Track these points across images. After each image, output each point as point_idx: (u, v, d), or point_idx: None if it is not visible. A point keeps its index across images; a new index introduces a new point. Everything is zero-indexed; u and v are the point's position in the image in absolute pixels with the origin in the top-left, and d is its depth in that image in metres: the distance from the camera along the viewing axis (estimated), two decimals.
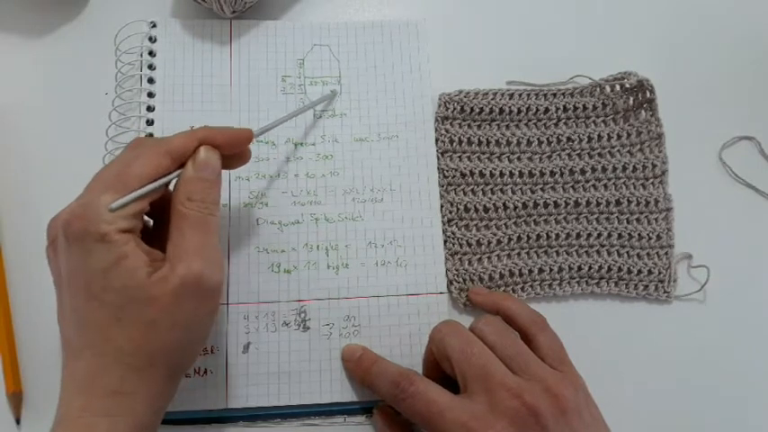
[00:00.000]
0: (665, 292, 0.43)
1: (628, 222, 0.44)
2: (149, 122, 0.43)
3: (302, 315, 0.41)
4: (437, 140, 0.45)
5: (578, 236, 0.44)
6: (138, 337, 0.30)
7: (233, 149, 0.35)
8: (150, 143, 0.33)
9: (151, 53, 0.45)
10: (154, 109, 0.44)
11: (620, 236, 0.44)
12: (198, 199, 0.32)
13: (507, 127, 0.45)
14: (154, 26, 0.45)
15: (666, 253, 0.43)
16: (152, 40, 0.45)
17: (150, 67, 0.45)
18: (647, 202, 0.44)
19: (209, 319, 0.33)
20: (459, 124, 0.45)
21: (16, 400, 0.38)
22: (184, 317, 0.31)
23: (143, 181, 0.31)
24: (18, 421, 0.38)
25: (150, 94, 0.44)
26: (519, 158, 0.45)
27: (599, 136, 0.45)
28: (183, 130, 0.34)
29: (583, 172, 0.45)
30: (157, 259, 0.31)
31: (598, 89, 0.46)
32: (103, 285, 0.30)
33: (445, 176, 0.44)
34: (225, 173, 0.41)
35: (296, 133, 0.44)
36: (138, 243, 0.31)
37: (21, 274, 0.41)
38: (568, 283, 0.43)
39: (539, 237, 0.43)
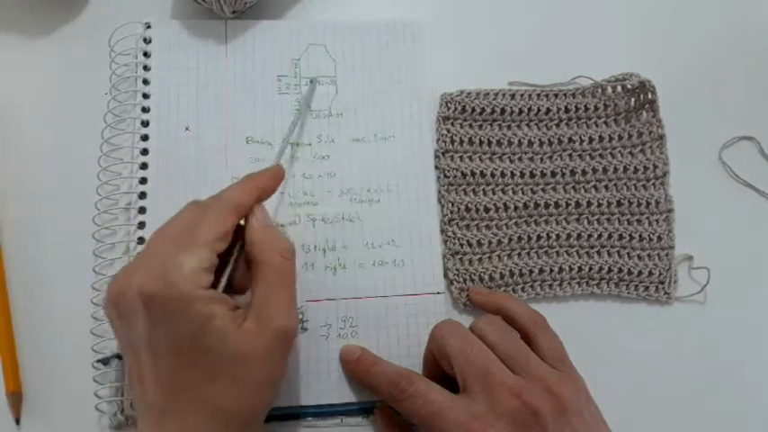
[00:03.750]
0: (665, 293, 0.43)
1: (628, 223, 0.44)
2: (144, 124, 0.43)
3: (300, 316, 0.40)
4: (438, 140, 0.45)
5: (579, 237, 0.43)
6: (234, 395, 0.30)
7: (274, 191, 0.36)
8: (213, 203, 0.33)
9: (146, 54, 0.45)
10: (149, 110, 0.43)
11: (620, 237, 0.44)
12: (271, 248, 0.33)
13: (509, 127, 0.45)
14: (149, 27, 0.45)
15: (667, 254, 0.43)
16: (147, 41, 0.45)
17: (145, 68, 0.44)
18: (648, 204, 0.44)
19: (285, 368, 0.33)
20: (461, 124, 0.45)
21: (16, 400, 0.38)
22: (271, 369, 0.31)
23: (216, 239, 0.32)
24: (18, 421, 0.38)
25: (145, 96, 0.44)
26: (520, 159, 0.45)
27: (600, 137, 0.45)
28: (235, 183, 0.35)
29: (584, 173, 0.45)
30: (234, 306, 0.32)
31: (599, 90, 0.46)
32: (193, 350, 0.29)
33: (446, 176, 0.44)
34: (223, 173, 0.43)
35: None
36: (219, 297, 0.31)
37: (21, 274, 0.41)
38: (569, 283, 0.43)
39: (539, 237, 0.43)
